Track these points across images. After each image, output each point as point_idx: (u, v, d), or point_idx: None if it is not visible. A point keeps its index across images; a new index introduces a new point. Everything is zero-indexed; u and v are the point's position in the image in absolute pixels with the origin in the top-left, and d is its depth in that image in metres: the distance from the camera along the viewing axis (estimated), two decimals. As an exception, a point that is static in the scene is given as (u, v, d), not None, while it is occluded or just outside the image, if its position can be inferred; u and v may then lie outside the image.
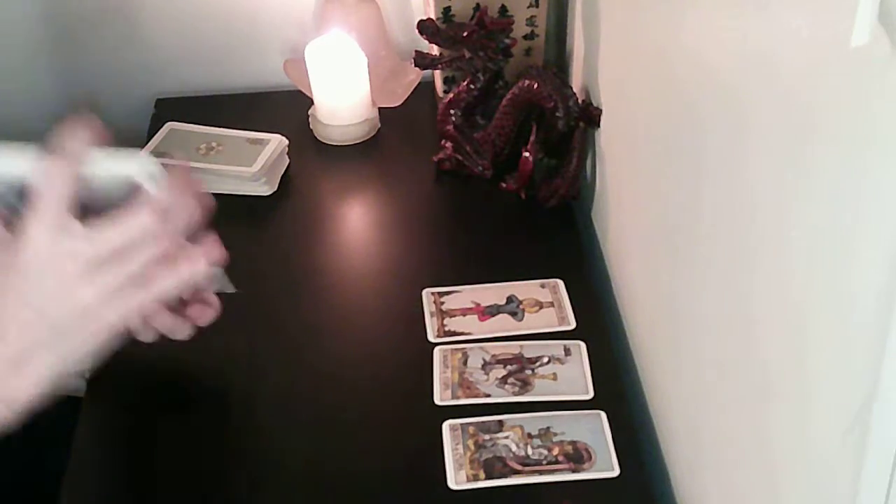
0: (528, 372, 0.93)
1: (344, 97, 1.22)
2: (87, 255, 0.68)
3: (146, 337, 0.82)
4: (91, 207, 0.71)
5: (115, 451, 0.90)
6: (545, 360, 0.94)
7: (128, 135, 1.31)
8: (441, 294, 1.02)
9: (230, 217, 1.14)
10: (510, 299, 1.01)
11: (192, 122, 1.22)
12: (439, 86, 1.29)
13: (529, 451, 0.86)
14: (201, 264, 0.73)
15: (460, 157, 1.18)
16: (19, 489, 0.97)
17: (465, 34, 1.12)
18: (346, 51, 1.20)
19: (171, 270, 0.71)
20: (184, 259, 0.72)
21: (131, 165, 0.72)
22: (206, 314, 0.81)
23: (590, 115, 1.08)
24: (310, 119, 1.26)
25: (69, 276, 0.68)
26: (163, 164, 0.72)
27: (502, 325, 0.98)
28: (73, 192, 0.69)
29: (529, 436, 0.87)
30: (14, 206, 0.72)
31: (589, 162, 1.13)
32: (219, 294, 0.84)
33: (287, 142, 1.19)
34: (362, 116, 1.24)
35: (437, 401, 0.91)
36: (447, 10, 1.21)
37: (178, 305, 0.81)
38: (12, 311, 0.68)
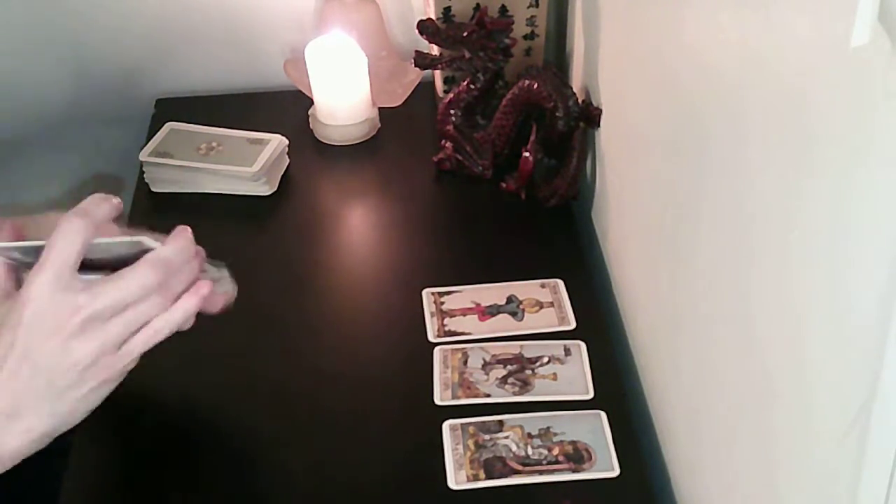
0: (528, 372, 0.93)
1: (344, 97, 1.22)
2: (87, 311, 0.69)
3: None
4: (99, 268, 0.72)
5: (114, 453, 0.90)
6: (545, 360, 0.94)
7: (128, 135, 1.32)
8: (441, 294, 1.02)
9: (230, 217, 1.15)
10: (510, 299, 1.01)
11: (192, 122, 1.22)
12: (439, 86, 1.29)
13: (529, 451, 0.86)
14: (194, 306, 0.74)
15: (460, 157, 1.18)
16: (19, 490, 0.97)
17: (465, 34, 1.12)
18: (346, 51, 1.20)
19: (167, 317, 0.72)
20: (179, 303, 0.73)
21: (139, 236, 0.73)
22: (216, 306, 0.81)
23: (590, 115, 1.08)
24: (310, 119, 1.26)
25: (69, 332, 0.68)
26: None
27: (502, 325, 0.98)
28: (81, 251, 0.70)
29: (529, 436, 0.87)
30: (30, 263, 0.73)
31: (589, 162, 1.13)
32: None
33: (287, 142, 1.19)
34: (362, 116, 1.24)
35: (437, 401, 0.91)
36: (447, 10, 1.21)
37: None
38: (11, 363, 0.68)
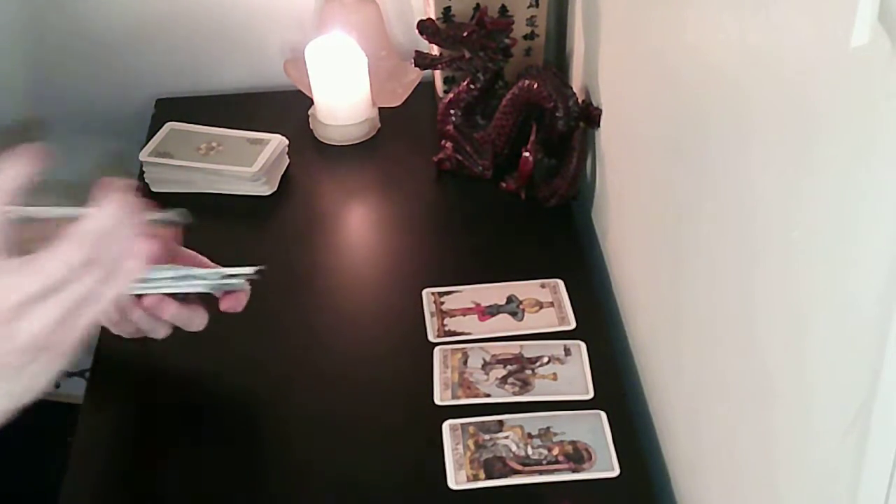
0: (528, 372, 0.93)
1: (344, 97, 1.22)
2: (22, 291, 0.67)
3: (160, 333, 0.82)
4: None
5: (114, 454, 0.90)
6: (545, 360, 0.94)
7: (128, 135, 1.32)
8: (441, 294, 1.02)
9: (230, 217, 1.15)
10: (510, 299, 1.01)
11: (192, 122, 1.22)
12: (439, 86, 1.29)
13: (529, 451, 0.86)
14: (138, 270, 0.71)
15: (460, 157, 1.18)
16: (18, 492, 0.97)
17: (465, 34, 1.12)
18: (346, 51, 1.20)
19: (110, 285, 0.70)
20: (121, 270, 0.71)
21: (63, 210, 0.71)
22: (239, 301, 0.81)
23: (590, 115, 1.08)
24: (310, 119, 1.26)
25: (7, 313, 0.67)
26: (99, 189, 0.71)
27: (502, 325, 0.98)
28: (7, 230, 0.68)
29: (529, 436, 0.87)
30: None
31: (589, 162, 1.13)
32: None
33: (287, 142, 1.19)
34: (362, 116, 1.24)
35: (437, 401, 0.91)
36: (447, 10, 1.21)
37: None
38: None
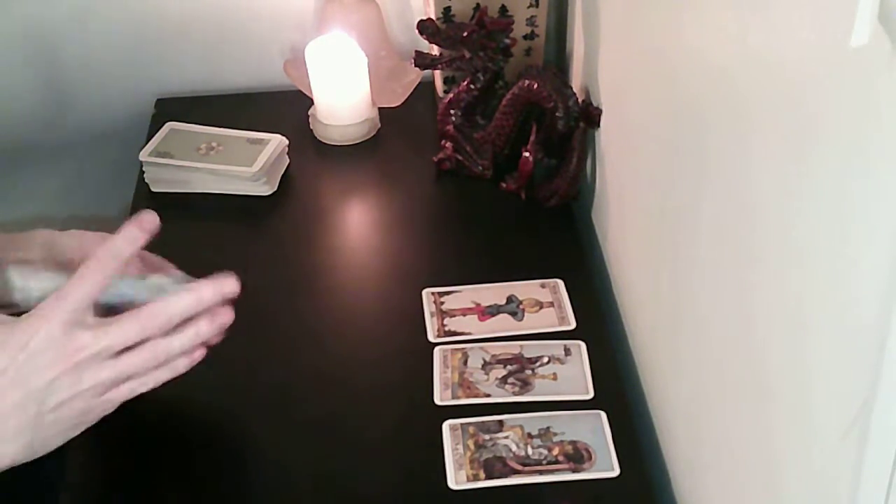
0: (528, 372, 0.93)
1: (344, 97, 1.22)
2: (89, 351, 0.69)
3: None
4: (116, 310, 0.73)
5: (113, 454, 0.90)
6: (545, 360, 0.94)
7: (128, 135, 1.32)
8: (441, 294, 1.02)
9: (230, 217, 1.15)
10: (510, 299, 1.01)
11: (192, 122, 1.22)
12: (439, 86, 1.29)
13: (529, 451, 0.86)
14: (183, 368, 0.76)
15: (460, 157, 1.18)
16: (18, 492, 0.97)
17: (465, 34, 1.12)
18: (346, 51, 1.20)
19: (155, 375, 0.74)
20: (169, 364, 0.75)
21: (165, 279, 0.75)
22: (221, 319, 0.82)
23: (590, 115, 1.08)
24: (310, 119, 1.26)
25: (67, 367, 0.69)
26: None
27: (502, 325, 0.98)
28: (101, 290, 0.71)
29: (529, 436, 0.87)
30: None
31: (589, 162, 1.13)
32: None
33: (287, 142, 1.19)
34: (362, 116, 1.24)
35: (437, 401, 0.91)
36: (447, 10, 1.21)
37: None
38: (4, 386, 0.68)
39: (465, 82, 1.16)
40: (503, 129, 1.15)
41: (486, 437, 0.87)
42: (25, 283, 0.77)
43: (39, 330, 0.69)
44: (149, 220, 0.74)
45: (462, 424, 0.88)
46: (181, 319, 0.74)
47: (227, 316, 0.78)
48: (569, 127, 1.09)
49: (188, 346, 0.75)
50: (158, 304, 0.73)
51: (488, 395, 0.91)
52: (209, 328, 0.76)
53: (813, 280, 0.55)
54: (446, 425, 0.88)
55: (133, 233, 0.74)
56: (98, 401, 0.72)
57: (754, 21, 0.62)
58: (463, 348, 0.96)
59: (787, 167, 0.58)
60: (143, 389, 0.75)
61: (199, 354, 0.77)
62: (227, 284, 0.77)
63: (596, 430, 0.87)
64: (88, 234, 0.85)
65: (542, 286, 1.03)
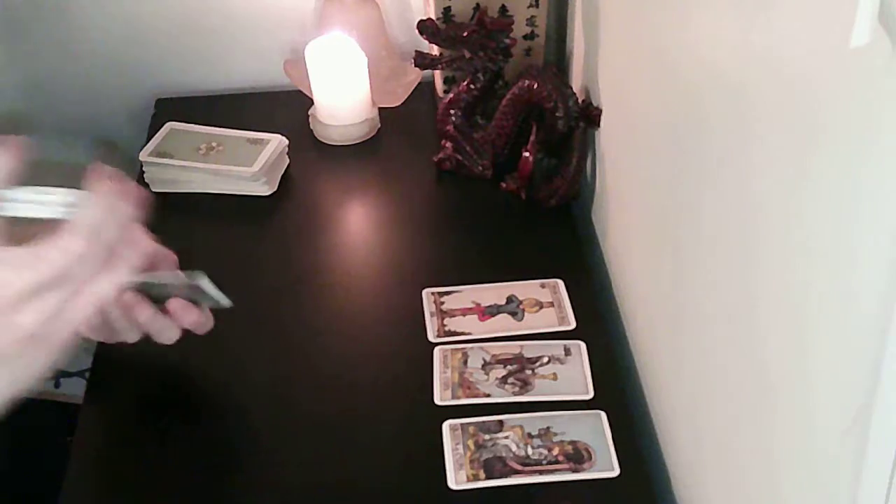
0: (528, 372, 0.93)
1: (344, 97, 1.22)
2: (18, 286, 0.67)
3: (131, 337, 0.83)
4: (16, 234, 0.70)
5: (113, 456, 0.90)
6: (545, 360, 0.94)
7: (128, 135, 1.32)
8: (441, 294, 1.02)
9: (230, 217, 1.15)
10: (510, 299, 1.01)
11: (192, 122, 1.22)
12: (439, 86, 1.29)
13: (529, 451, 0.86)
14: (135, 261, 0.72)
15: (460, 157, 1.18)
16: (18, 492, 0.97)
17: (465, 34, 1.12)
18: (346, 51, 1.20)
19: (109, 276, 0.70)
20: (119, 261, 0.71)
21: (53, 203, 0.70)
22: (190, 315, 0.81)
23: (590, 115, 1.08)
24: (310, 119, 1.26)
25: (6, 304, 0.67)
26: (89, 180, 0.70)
27: (502, 325, 0.98)
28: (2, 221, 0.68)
29: (529, 436, 0.87)
30: None
31: (589, 162, 1.13)
32: (213, 309, 0.84)
33: (287, 142, 1.19)
34: (362, 116, 1.24)
35: (437, 401, 0.91)
36: (447, 10, 1.21)
37: (163, 308, 0.81)
38: None
39: (465, 82, 1.16)
40: (503, 129, 1.15)
41: (486, 437, 0.87)
42: None
43: None
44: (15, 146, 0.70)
45: (462, 424, 0.88)
46: (103, 222, 0.69)
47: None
48: (569, 127, 1.09)
49: (123, 229, 0.70)
50: (76, 222, 0.68)
51: (488, 395, 0.91)
52: (129, 210, 0.71)
53: (814, 280, 0.55)
54: (446, 425, 0.88)
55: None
56: (57, 325, 0.68)
57: (755, 21, 0.62)
58: (463, 348, 0.96)
59: (787, 167, 0.58)
60: (100, 297, 0.70)
61: (143, 241, 0.73)
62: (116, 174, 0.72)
63: (596, 430, 0.87)
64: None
65: (542, 286, 1.03)
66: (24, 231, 0.71)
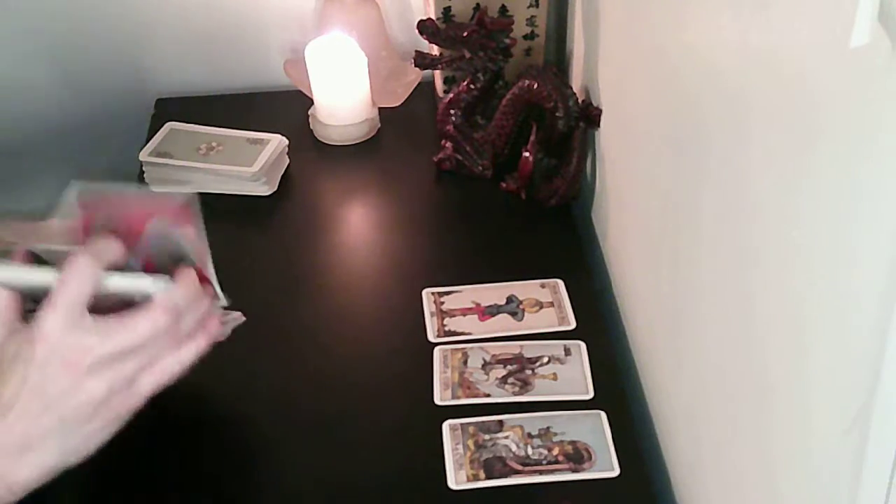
0: (528, 372, 0.93)
1: (344, 97, 1.22)
2: (98, 352, 0.70)
3: None
4: (104, 307, 0.72)
5: (113, 453, 0.90)
6: (545, 360, 0.94)
7: (128, 135, 1.32)
8: (441, 294, 1.02)
9: (230, 217, 1.15)
10: (510, 299, 1.01)
11: (192, 122, 1.22)
12: (439, 86, 1.29)
13: (529, 451, 0.86)
14: (204, 347, 0.75)
15: (460, 157, 1.18)
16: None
17: (465, 34, 1.12)
18: (346, 51, 1.20)
19: (177, 357, 0.74)
20: (189, 343, 0.74)
21: (145, 281, 0.74)
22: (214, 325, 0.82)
23: (590, 115, 1.08)
24: (310, 119, 1.26)
25: (80, 371, 0.70)
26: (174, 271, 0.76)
27: (502, 325, 0.98)
28: (90, 291, 0.71)
29: (529, 436, 0.87)
30: (32, 309, 0.74)
31: (589, 162, 1.13)
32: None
33: (287, 142, 1.19)
34: (362, 116, 1.24)
35: (437, 401, 0.91)
36: (447, 10, 1.21)
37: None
38: (24, 400, 0.69)
39: (465, 82, 1.16)
40: (503, 129, 1.15)
41: (486, 437, 0.87)
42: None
43: (41, 340, 0.70)
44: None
45: (462, 424, 0.88)
46: (186, 305, 0.74)
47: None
48: (569, 127, 1.09)
49: (200, 318, 0.75)
50: (163, 295, 0.73)
51: (488, 395, 0.91)
52: (209, 304, 0.76)
53: (813, 280, 0.55)
54: (446, 425, 0.88)
55: (108, 238, 0.75)
56: (122, 397, 0.72)
57: (754, 21, 0.62)
58: (463, 348, 0.96)
59: (787, 167, 0.58)
60: (167, 376, 0.73)
61: (215, 326, 0.77)
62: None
63: (596, 430, 0.87)
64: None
65: (542, 286, 1.03)
66: (108, 301, 0.74)
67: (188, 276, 0.75)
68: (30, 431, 0.70)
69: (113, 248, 0.74)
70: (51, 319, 0.70)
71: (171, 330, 0.72)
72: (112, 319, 0.71)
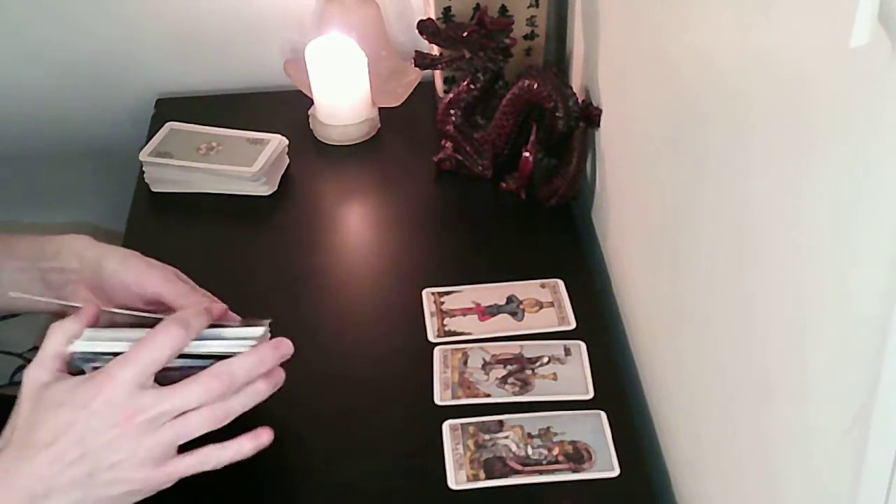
0: (528, 372, 0.93)
1: (344, 97, 1.22)
2: (150, 412, 0.71)
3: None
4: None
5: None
6: (545, 360, 0.94)
7: (128, 135, 1.32)
8: (441, 294, 1.02)
9: (230, 217, 1.15)
10: (510, 299, 1.01)
11: (192, 122, 1.22)
12: (439, 86, 1.29)
13: (529, 451, 0.86)
14: (249, 450, 0.77)
15: (460, 157, 1.18)
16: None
17: (465, 34, 1.12)
18: (346, 51, 1.20)
19: (220, 455, 0.75)
20: (233, 443, 0.76)
21: (257, 331, 0.78)
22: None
23: (590, 115, 1.08)
24: (310, 119, 1.26)
25: (130, 427, 0.70)
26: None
27: (502, 325, 0.98)
28: (169, 359, 0.72)
29: (529, 436, 0.87)
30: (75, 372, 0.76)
31: (589, 162, 1.13)
32: None
33: (287, 142, 1.19)
34: (362, 116, 1.24)
35: (437, 401, 0.91)
36: (447, 10, 1.21)
37: None
38: (62, 446, 0.69)
39: (465, 82, 1.16)
40: (503, 129, 1.15)
41: (486, 437, 0.87)
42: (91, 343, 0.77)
43: (104, 390, 0.70)
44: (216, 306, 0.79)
45: (462, 424, 0.88)
46: (243, 382, 0.75)
47: (281, 376, 0.79)
48: (569, 127, 1.09)
49: (248, 406, 0.76)
50: (221, 366, 0.73)
51: (488, 395, 0.91)
52: (267, 387, 0.77)
53: (813, 280, 0.55)
54: (446, 425, 0.88)
55: (202, 307, 0.77)
56: (156, 471, 0.72)
57: (754, 21, 0.62)
58: (463, 348, 0.96)
59: (787, 167, 0.58)
60: (206, 467, 0.74)
61: (266, 437, 0.77)
62: (285, 346, 0.78)
63: (596, 430, 0.87)
64: (134, 261, 0.84)
65: (542, 286, 1.03)
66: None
67: (257, 352, 0.76)
68: (55, 479, 0.69)
69: (203, 321, 0.75)
70: (122, 374, 0.70)
71: (218, 399, 0.73)
72: (168, 387, 0.72)
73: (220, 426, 0.74)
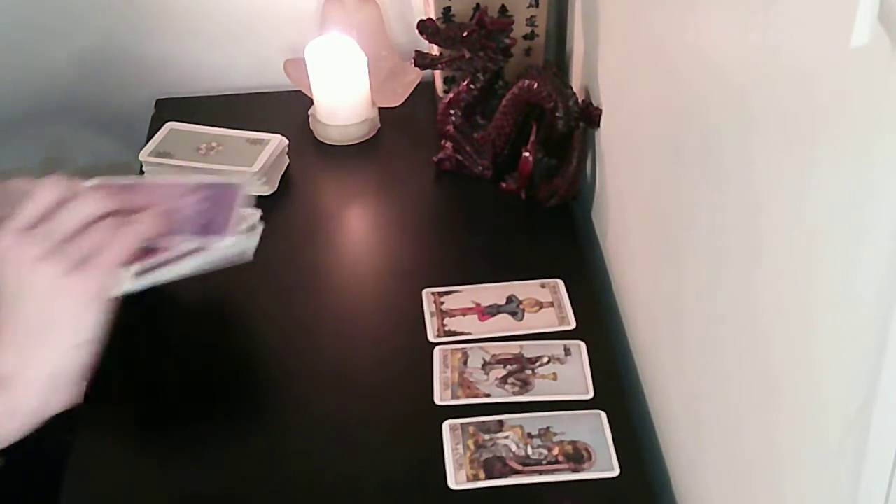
0: (528, 372, 0.93)
1: (344, 97, 1.22)
2: (39, 241, 0.72)
3: None
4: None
5: (114, 454, 0.90)
6: (545, 360, 0.94)
7: (128, 135, 1.32)
8: (441, 294, 1.02)
9: (230, 217, 1.15)
10: (510, 299, 1.01)
11: (192, 122, 1.22)
12: (439, 86, 1.29)
13: (529, 451, 0.86)
14: (150, 223, 0.78)
15: (460, 157, 1.18)
16: (18, 492, 0.98)
17: (465, 34, 1.12)
18: (346, 51, 1.20)
19: (126, 233, 0.76)
20: (134, 222, 0.77)
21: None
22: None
23: (590, 115, 1.08)
24: (310, 119, 1.26)
25: (26, 262, 0.72)
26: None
27: (502, 325, 0.98)
28: (48, 211, 0.74)
29: (529, 436, 0.87)
30: None
31: (589, 162, 1.13)
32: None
33: (287, 142, 1.19)
34: (362, 116, 1.24)
35: (437, 401, 0.91)
36: (447, 10, 1.21)
37: None
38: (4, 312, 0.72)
39: (465, 82, 1.16)
40: (503, 129, 1.15)
41: (486, 437, 0.87)
42: None
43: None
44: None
45: (462, 424, 0.88)
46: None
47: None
48: (569, 127, 1.09)
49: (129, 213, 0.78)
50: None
51: (488, 395, 0.91)
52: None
53: (814, 279, 0.55)
54: (446, 425, 0.88)
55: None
56: (84, 275, 0.73)
57: (755, 21, 0.62)
58: (463, 348, 0.96)
59: (788, 166, 0.58)
60: (129, 242, 0.76)
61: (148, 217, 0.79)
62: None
63: (596, 430, 0.87)
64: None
65: (542, 286, 1.03)
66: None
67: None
68: (15, 342, 0.72)
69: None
70: (3, 233, 0.73)
71: (106, 208, 0.75)
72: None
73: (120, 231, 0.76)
